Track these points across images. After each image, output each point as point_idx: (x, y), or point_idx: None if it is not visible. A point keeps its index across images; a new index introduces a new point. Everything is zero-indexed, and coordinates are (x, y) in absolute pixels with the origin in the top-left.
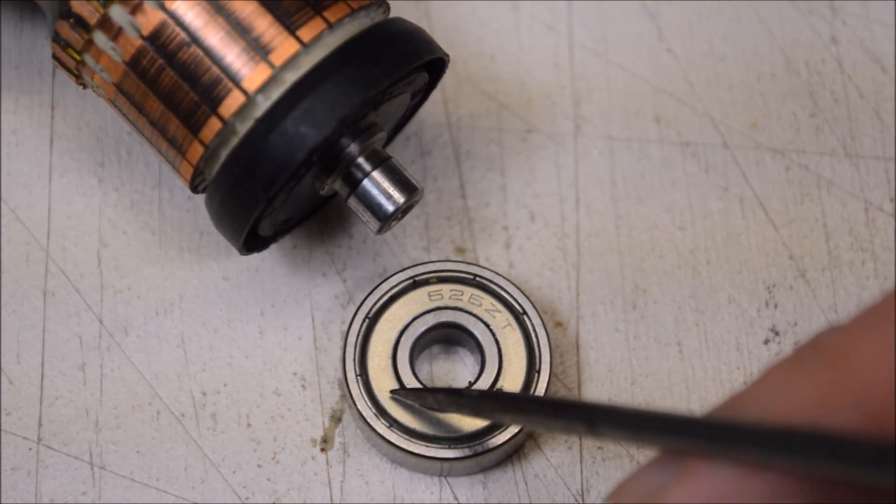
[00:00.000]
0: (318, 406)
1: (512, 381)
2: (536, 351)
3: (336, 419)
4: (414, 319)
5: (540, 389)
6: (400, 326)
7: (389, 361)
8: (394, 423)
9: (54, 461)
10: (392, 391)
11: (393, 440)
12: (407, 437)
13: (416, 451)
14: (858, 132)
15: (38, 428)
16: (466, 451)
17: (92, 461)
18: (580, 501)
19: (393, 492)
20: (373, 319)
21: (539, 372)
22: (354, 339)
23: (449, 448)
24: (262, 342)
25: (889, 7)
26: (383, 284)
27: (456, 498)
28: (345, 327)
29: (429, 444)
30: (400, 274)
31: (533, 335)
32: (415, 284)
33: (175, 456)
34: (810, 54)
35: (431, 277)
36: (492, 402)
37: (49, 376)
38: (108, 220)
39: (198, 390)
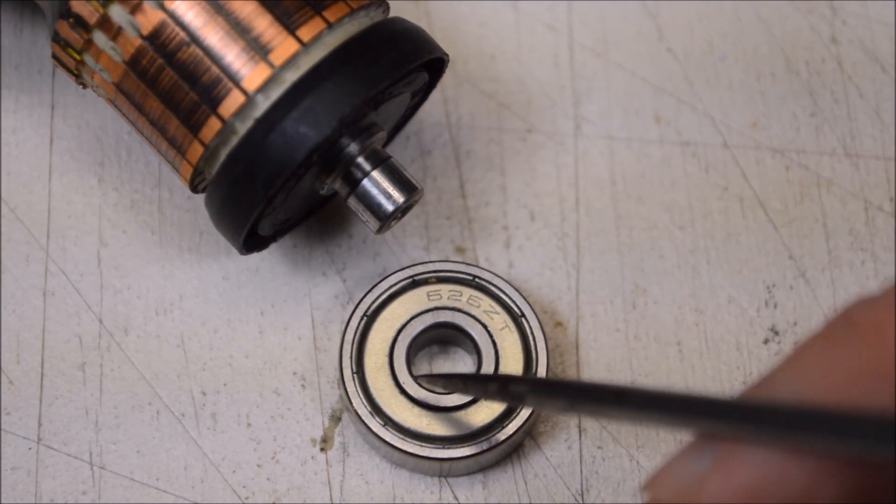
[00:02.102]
0: (318, 406)
1: None
2: (534, 354)
3: (336, 419)
4: (412, 319)
5: None
6: (398, 325)
7: (386, 360)
8: (388, 421)
9: (54, 461)
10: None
11: (388, 439)
12: (402, 437)
13: (410, 450)
14: (858, 132)
15: (38, 428)
16: (462, 451)
17: (92, 461)
18: (580, 501)
19: (393, 491)
20: (371, 318)
21: (535, 375)
22: (352, 337)
23: (444, 448)
24: (262, 342)
25: (889, 7)
26: (382, 283)
27: (456, 498)
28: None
29: (423, 444)
30: (399, 273)
31: (531, 338)
32: (414, 284)
33: (175, 456)
34: (810, 54)
35: (430, 277)
36: (520, 386)
37: (49, 376)
38: (108, 220)
39: (198, 390)
